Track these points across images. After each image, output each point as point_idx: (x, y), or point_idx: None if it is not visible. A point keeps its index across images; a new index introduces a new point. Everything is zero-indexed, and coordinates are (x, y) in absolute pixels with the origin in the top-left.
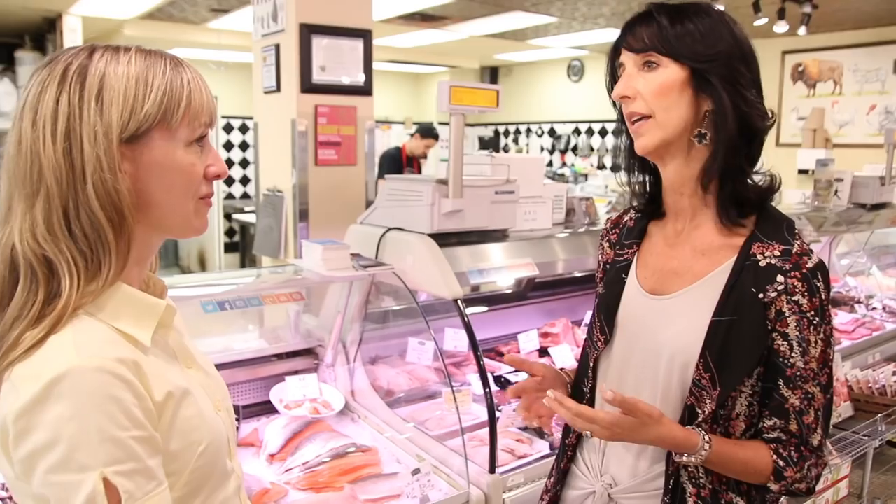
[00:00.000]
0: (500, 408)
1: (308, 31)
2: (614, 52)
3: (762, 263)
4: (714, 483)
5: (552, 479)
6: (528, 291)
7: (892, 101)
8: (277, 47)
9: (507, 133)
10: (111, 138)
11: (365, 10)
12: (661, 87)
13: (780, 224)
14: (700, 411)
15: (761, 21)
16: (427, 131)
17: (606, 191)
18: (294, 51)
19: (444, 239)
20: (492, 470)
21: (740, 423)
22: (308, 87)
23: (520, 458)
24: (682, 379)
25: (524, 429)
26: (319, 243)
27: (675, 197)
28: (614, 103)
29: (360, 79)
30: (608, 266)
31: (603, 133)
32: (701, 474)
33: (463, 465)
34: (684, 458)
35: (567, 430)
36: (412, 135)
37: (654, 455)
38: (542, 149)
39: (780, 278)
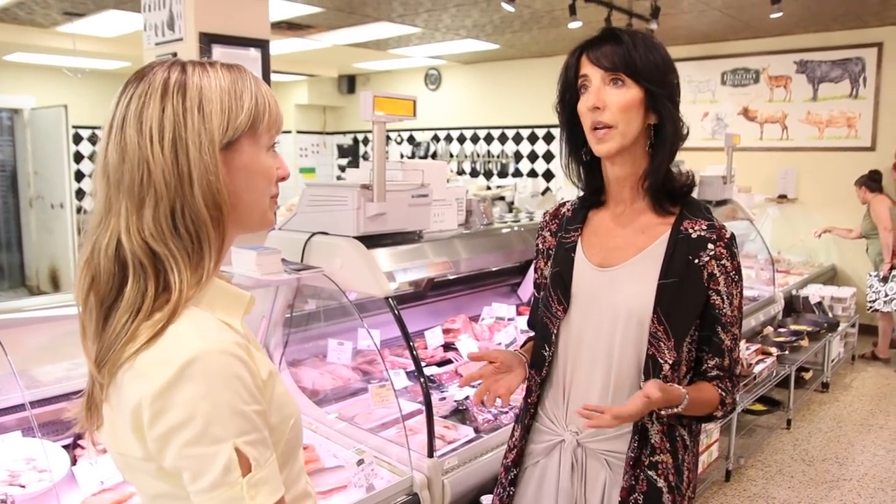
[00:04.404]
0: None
1: (208, 41)
2: (576, 61)
3: (693, 235)
4: (671, 419)
5: (515, 437)
6: (441, 288)
7: (721, 109)
8: (174, 56)
9: (366, 141)
10: (214, 145)
11: (263, 20)
12: (627, 103)
13: (700, 206)
14: (661, 360)
15: None
16: None
17: (468, 195)
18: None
19: (366, 241)
20: (430, 454)
21: (683, 367)
22: None
23: (449, 442)
24: (638, 333)
25: (447, 417)
26: (251, 249)
27: (617, 188)
28: (560, 108)
29: None
30: (552, 251)
31: (461, 140)
32: (662, 414)
33: (400, 452)
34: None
35: (529, 391)
36: None
37: (615, 401)
38: (402, 156)
39: (710, 246)
